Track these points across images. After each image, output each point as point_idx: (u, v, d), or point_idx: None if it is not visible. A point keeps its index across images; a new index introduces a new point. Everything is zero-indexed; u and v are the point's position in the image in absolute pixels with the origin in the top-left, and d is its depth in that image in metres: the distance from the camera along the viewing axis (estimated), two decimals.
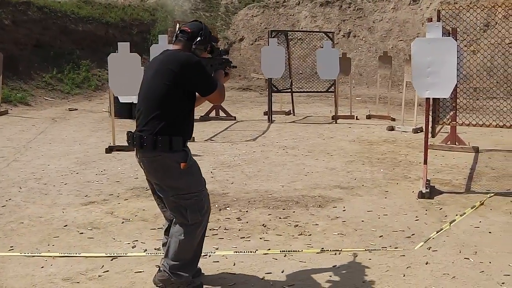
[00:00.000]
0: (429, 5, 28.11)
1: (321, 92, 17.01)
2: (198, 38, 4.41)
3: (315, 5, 30.69)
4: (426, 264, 5.15)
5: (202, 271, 4.79)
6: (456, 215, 6.64)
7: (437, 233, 5.98)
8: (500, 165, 9.50)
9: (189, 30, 4.43)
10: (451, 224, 6.27)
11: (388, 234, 5.99)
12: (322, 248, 5.53)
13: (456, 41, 8.73)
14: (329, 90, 16.03)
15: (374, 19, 29.79)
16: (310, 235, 5.98)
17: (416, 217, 6.61)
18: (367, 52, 26.94)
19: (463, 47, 19.46)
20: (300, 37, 25.11)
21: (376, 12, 30.13)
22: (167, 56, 4.38)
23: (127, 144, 4.41)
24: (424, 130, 8.09)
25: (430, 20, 7.84)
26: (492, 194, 7.56)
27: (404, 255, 5.37)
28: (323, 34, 17.34)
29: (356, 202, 7.27)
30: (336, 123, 14.70)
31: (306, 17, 30.43)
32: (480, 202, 7.17)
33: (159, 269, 4.51)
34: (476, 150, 10.63)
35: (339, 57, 15.18)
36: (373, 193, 7.67)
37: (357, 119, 15.41)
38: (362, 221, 6.44)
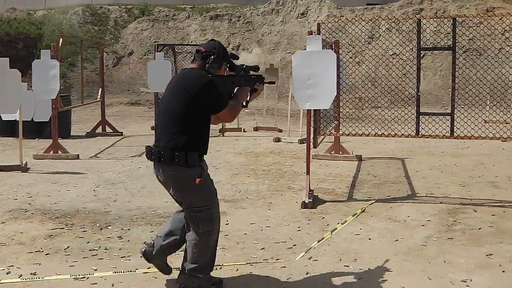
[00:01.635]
0: (316, 18, 28.77)
1: None
2: (212, 57, 4.60)
3: (205, 18, 30.80)
4: (307, 274, 5.20)
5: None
6: (338, 223, 6.78)
7: (318, 242, 6.07)
8: (382, 173, 9.80)
9: (203, 50, 4.64)
10: (333, 233, 6.38)
11: (270, 246, 6.01)
12: None
13: (338, 53, 8.97)
14: None
15: (263, 32, 30.21)
16: None
17: (299, 227, 6.68)
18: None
19: (348, 58, 20.12)
20: (189, 50, 25.01)
21: (265, 25, 30.57)
22: (183, 75, 4.67)
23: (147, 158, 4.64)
24: (306, 141, 8.20)
25: (310, 33, 7.97)
26: (373, 201, 7.78)
27: (285, 267, 5.39)
28: None
29: (239, 215, 7.28)
30: (223, 136, 14.74)
31: (196, 30, 30.48)
32: (361, 209, 7.36)
33: (180, 271, 4.78)
34: (359, 158, 10.92)
35: None
36: (257, 205, 7.70)
37: (244, 131, 15.51)
38: (245, 234, 6.44)
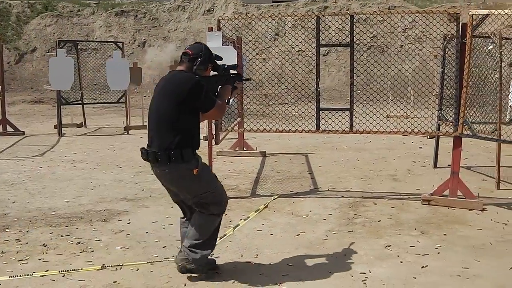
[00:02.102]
0: (223, 15, 28.76)
1: (111, 103, 16.66)
2: (199, 59, 4.83)
3: (110, 14, 30.22)
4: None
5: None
6: (240, 219, 6.76)
7: (220, 239, 6.02)
8: (285, 168, 9.87)
9: (190, 53, 4.86)
10: (235, 229, 6.36)
11: (172, 244, 5.93)
12: (103, 265, 5.33)
13: (241, 49, 8.94)
14: (120, 101, 15.76)
15: (169, 29, 29.93)
16: (93, 251, 5.76)
17: None
18: (162, 62, 26.94)
19: (255, 55, 20.18)
20: (94, 47, 24.49)
21: (171, 22, 30.29)
22: (171, 77, 4.86)
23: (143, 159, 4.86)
24: (208, 137, 8.14)
25: (211, 29, 7.91)
26: (276, 197, 7.81)
27: None
28: (119, 44, 17.01)
29: (142, 213, 7.16)
30: (128, 134, 14.50)
31: (100, 26, 29.87)
32: (264, 205, 7.37)
33: (180, 250, 4.98)
34: (264, 154, 10.97)
35: (130, 67, 14.97)
36: (160, 203, 7.59)
37: None
38: (147, 232, 6.34)
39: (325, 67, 25.97)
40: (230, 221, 6.72)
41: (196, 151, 4.84)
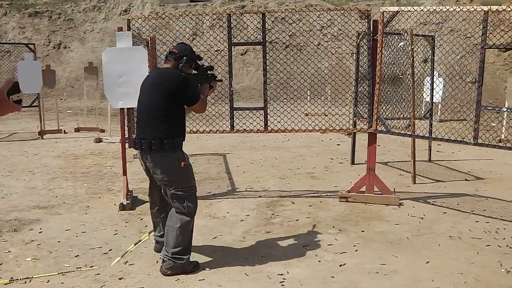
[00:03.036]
0: (140, 15, 28.32)
1: (24, 107, 16.07)
2: (184, 58, 5.26)
3: (23, 15, 29.30)
4: (121, 279, 4.98)
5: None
6: None
7: (135, 245, 5.85)
8: (203, 169, 9.74)
9: (176, 51, 5.28)
10: (150, 234, 6.17)
11: (85, 252, 5.71)
12: (12, 278, 5.06)
13: (155, 49, 8.73)
14: (33, 105, 15.24)
15: (85, 30, 29.28)
16: (1, 264, 5.46)
17: (116, 231, 6.42)
18: (79, 63, 26.34)
19: None
20: (7, 49, 23.75)
21: (87, 23, 29.64)
22: (160, 73, 5.31)
23: (134, 149, 5.26)
24: (121, 140, 7.90)
25: (120, 29, 7.67)
26: None
27: (99, 274, 5.14)
28: (31, 46, 16.44)
29: (54, 221, 6.87)
30: (42, 138, 14.02)
31: (14, 28, 28.92)
32: None
33: (163, 260, 5.16)
34: None
35: (43, 70, 14.51)
36: (73, 210, 7.33)
37: (65, 132, 14.84)
38: (59, 241, 6.08)
39: (243, 66, 25.95)
40: (146, 225, 6.53)
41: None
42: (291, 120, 7.89)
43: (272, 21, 26.37)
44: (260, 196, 7.84)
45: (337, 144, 12.20)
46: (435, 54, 9.91)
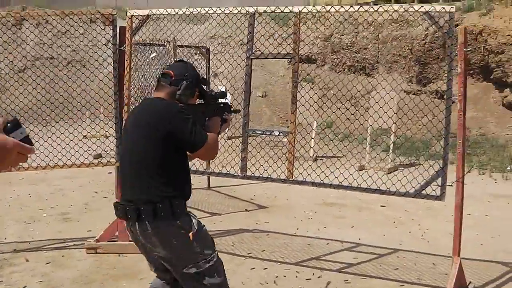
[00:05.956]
0: None
1: None
2: (184, 82, 3.58)
3: None
4: None
5: None
6: None
7: None
8: None
9: (172, 73, 3.62)
10: None
11: None
12: None
13: None
14: None
15: None
16: None
17: None
18: None
19: None
20: None
21: None
22: (146, 107, 3.68)
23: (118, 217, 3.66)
24: None
25: None
26: None
27: None
28: None
29: None
30: None
31: None
32: None
33: None
34: None
35: None
36: None
37: None
38: None
39: (21, 85, 23.57)
40: None
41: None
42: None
43: (49, 37, 24.39)
44: None
45: (108, 172, 10.28)
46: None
